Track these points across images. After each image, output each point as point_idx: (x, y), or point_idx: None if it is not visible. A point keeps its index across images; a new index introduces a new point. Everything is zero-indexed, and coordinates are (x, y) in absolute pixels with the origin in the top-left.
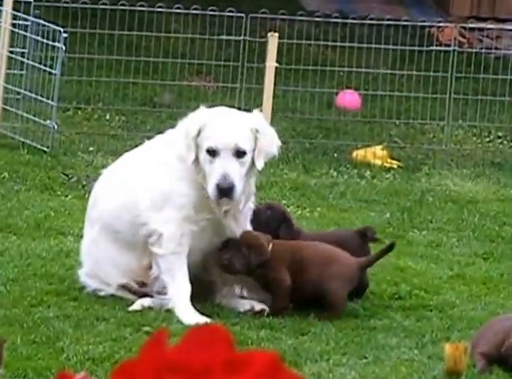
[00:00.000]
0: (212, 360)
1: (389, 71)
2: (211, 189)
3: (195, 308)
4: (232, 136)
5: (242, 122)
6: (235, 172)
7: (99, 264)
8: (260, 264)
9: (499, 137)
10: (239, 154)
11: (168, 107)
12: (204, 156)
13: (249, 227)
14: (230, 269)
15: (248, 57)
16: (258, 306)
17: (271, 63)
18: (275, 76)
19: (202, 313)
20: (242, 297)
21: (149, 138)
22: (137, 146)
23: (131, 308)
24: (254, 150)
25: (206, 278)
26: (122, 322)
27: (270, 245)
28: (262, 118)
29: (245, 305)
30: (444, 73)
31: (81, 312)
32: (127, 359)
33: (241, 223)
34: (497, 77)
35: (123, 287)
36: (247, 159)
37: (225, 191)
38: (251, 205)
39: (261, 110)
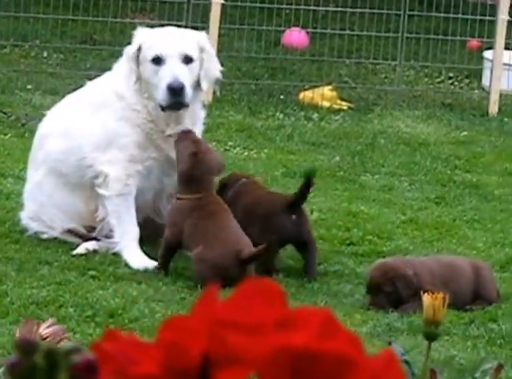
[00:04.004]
0: (265, 317)
1: (339, 9)
2: (161, 94)
3: (144, 252)
4: (178, 42)
5: (188, 33)
6: (185, 75)
7: (44, 207)
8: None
9: (450, 78)
10: (187, 60)
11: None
12: (149, 68)
13: None
14: None
15: None
16: None
17: (217, 0)
18: (220, 14)
19: (151, 257)
20: None
21: (89, 76)
22: (76, 85)
23: (75, 252)
24: (200, 66)
25: (157, 220)
26: (66, 266)
27: None
28: (207, 39)
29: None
30: (397, 11)
31: (23, 255)
32: (177, 315)
33: None
34: (448, 16)
35: (70, 231)
36: (195, 66)
37: (176, 92)
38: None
39: (207, 33)
